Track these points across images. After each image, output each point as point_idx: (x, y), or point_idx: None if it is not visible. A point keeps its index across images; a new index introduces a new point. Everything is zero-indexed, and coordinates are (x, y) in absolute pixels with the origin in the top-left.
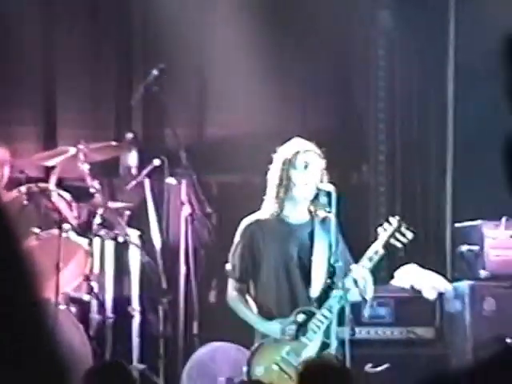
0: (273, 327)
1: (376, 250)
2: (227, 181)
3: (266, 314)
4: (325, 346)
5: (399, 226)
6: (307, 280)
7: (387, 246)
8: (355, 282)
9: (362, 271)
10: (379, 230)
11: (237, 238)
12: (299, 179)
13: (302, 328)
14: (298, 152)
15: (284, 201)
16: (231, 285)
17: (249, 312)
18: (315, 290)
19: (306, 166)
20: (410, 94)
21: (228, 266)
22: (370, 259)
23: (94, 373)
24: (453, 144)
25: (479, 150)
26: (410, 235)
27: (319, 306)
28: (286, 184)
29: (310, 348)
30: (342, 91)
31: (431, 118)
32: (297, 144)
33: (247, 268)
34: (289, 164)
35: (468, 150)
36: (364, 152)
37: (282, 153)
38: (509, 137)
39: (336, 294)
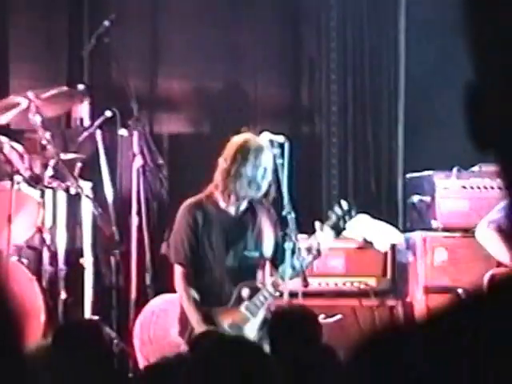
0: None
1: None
2: (178, 132)
3: (208, 303)
4: (267, 322)
5: (349, 210)
6: (250, 269)
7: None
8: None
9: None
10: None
11: (178, 220)
12: (247, 176)
13: (245, 302)
14: (249, 149)
15: (229, 193)
16: (176, 268)
17: (192, 308)
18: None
19: (255, 165)
20: (362, 45)
21: (163, 248)
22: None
23: (65, 331)
24: (404, 94)
25: (431, 100)
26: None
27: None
28: (233, 179)
29: (253, 323)
30: (293, 42)
31: (383, 68)
32: (249, 140)
33: (190, 252)
34: (239, 160)
35: (419, 100)
36: (316, 103)
37: (234, 146)
38: (469, 86)
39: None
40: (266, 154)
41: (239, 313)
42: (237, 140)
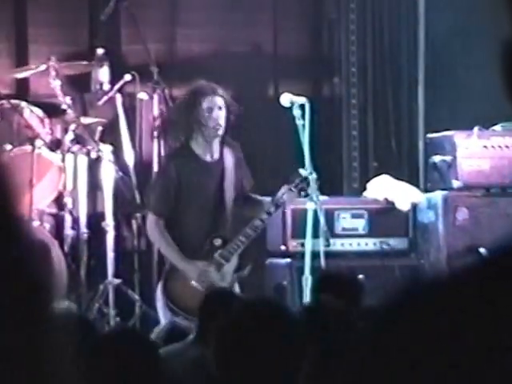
0: (191, 268)
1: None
2: None
3: (185, 251)
4: (241, 266)
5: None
6: (224, 214)
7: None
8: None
9: None
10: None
11: (157, 172)
12: (206, 121)
13: (219, 250)
14: (202, 96)
15: (196, 139)
16: (151, 218)
17: (170, 248)
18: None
19: (210, 109)
20: (381, 5)
21: (146, 199)
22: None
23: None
24: (424, 54)
25: (451, 60)
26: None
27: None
28: (195, 125)
29: (227, 267)
30: (313, 4)
31: (403, 29)
32: (201, 87)
33: (167, 202)
34: (195, 107)
35: (439, 60)
36: (335, 64)
37: (190, 95)
38: (508, 42)
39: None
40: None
41: (213, 259)
42: None
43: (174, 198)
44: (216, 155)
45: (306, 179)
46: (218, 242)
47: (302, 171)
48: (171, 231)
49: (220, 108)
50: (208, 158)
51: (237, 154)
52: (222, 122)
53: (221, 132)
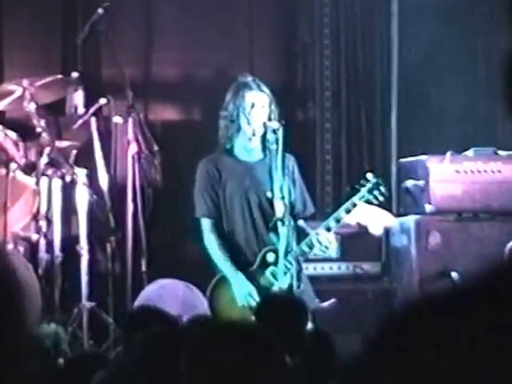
0: (238, 287)
1: (354, 202)
2: (173, 119)
3: (235, 256)
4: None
5: (377, 183)
6: (266, 218)
7: (365, 199)
8: (319, 243)
9: (328, 235)
10: (356, 186)
11: (197, 178)
12: (248, 117)
13: (270, 267)
14: (245, 91)
15: (234, 138)
16: (204, 225)
17: (222, 256)
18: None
19: (253, 105)
20: (355, 30)
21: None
22: (348, 211)
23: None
24: (397, 79)
25: (423, 85)
26: (384, 196)
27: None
28: (236, 122)
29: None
30: (287, 29)
31: (376, 54)
32: (245, 82)
33: (213, 204)
34: (237, 104)
35: (412, 85)
36: (309, 89)
37: (231, 91)
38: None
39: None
40: (251, 90)
41: (264, 277)
42: None
43: (216, 200)
44: (257, 155)
45: (376, 184)
46: (271, 257)
47: (368, 176)
48: (224, 239)
49: (263, 106)
50: (246, 158)
51: (291, 163)
52: (261, 120)
53: (258, 132)
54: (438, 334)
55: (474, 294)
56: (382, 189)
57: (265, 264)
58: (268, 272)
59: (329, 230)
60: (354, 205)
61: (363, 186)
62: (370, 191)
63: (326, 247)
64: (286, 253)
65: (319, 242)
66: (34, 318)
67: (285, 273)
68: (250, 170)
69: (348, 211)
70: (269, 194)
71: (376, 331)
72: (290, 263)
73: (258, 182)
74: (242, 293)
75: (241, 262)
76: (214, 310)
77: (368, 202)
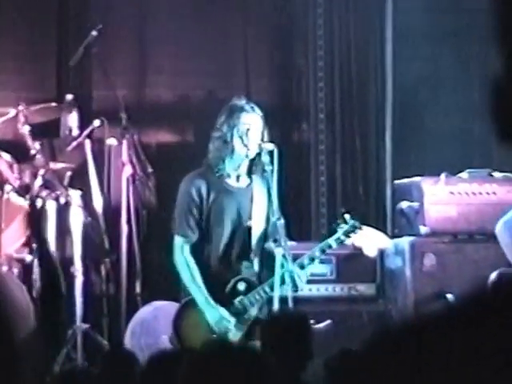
0: (211, 313)
1: (329, 244)
2: (167, 141)
3: (210, 277)
4: (257, 321)
5: (354, 226)
6: (244, 246)
7: (340, 241)
8: (292, 279)
9: (300, 273)
10: (334, 225)
11: (180, 192)
12: (243, 138)
13: (241, 296)
14: (240, 114)
15: (225, 160)
16: (177, 243)
17: (192, 279)
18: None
19: (247, 128)
20: (349, 53)
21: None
22: (322, 251)
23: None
24: (392, 102)
25: (418, 107)
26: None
27: (260, 272)
28: (229, 143)
29: (242, 318)
30: (282, 51)
31: (370, 76)
32: (239, 105)
33: (193, 223)
34: (231, 125)
35: (407, 107)
36: (304, 110)
37: (225, 113)
38: (495, 82)
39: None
40: (246, 113)
41: (232, 306)
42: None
43: (198, 220)
44: (244, 180)
45: (352, 225)
46: (242, 285)
47: (346, 217)
48: (198, 262)
49: (257, 129)
50: (234, 183)
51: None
52: (255, 143)
53: (251, 154)
54: (432, 354)
55: (466, 316)
56: (358, 232)
57: (236, 293)
58: (237, 301)
59: (302, 267)
60: (330, 246)
61: (340, 227)
62: (347, 234)
63: (296, 285)
64: (283, 280)
65: (292, 279)
66: (24, 338)
67: (257, 300)
68: (237, 196)
69: (323, 251)
70: (250, 223)
71: (367, 347)
72: (265, 292)
73: (242, 209)
74: (216, 317)
75: (212, 287)
76: (178, 334)
77: (342, 243)
